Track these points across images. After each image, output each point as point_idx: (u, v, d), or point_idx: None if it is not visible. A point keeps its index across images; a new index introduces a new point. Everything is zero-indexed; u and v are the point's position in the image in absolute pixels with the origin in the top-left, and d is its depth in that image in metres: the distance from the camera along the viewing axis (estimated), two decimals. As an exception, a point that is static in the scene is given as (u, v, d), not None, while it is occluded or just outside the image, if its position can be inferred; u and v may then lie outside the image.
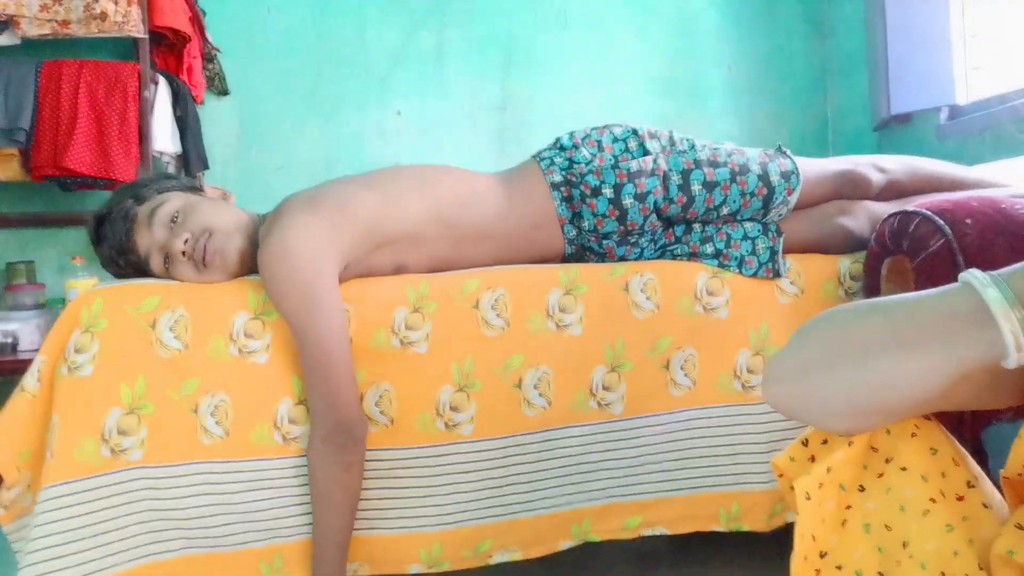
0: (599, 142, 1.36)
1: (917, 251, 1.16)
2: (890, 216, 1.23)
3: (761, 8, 2.79)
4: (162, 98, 2.49)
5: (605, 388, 1.24)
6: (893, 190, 1.45)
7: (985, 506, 0.61)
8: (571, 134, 1.39)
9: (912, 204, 1.23)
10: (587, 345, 1.24)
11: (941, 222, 1.14)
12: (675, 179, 1.31)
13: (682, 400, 1.27)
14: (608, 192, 1.30)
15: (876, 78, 2.27)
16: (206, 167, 2.63)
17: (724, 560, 1.50)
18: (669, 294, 1.28)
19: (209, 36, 2.71)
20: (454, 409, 1.19)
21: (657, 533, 1.27)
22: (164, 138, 2.48)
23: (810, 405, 0.63)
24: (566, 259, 1.39)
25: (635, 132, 1.37)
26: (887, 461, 0.63)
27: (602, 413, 1.24)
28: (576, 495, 1.24)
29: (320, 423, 1.12)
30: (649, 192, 1.30)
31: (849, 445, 0.64)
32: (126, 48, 2.51)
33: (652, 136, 1.37)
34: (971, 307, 0.53)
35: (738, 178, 1.31)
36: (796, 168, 1.35)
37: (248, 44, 2.76)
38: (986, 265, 0.59)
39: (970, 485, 0.62)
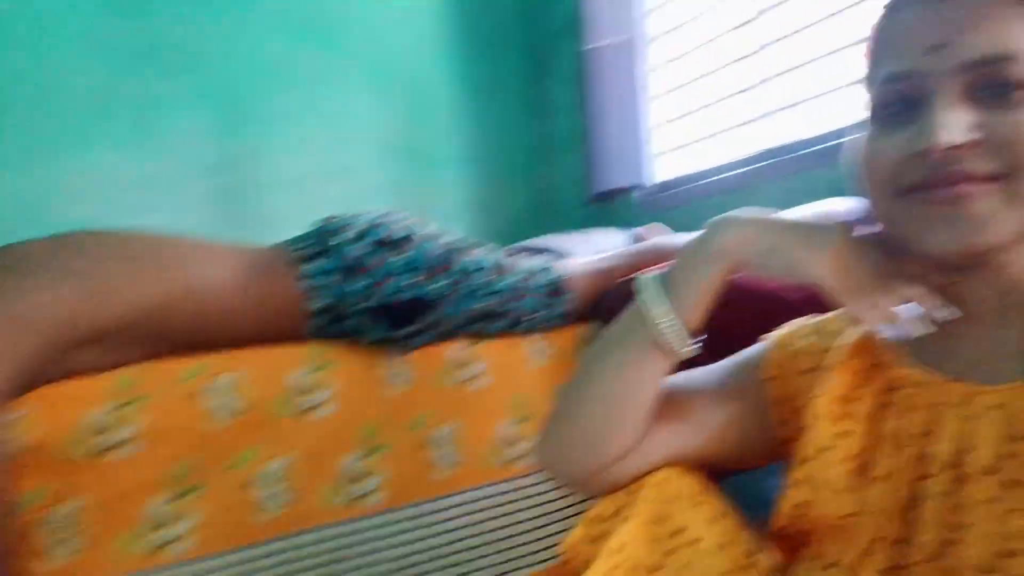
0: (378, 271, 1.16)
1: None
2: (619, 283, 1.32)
3: (488, 86, 2.94)
4: None
5: (359, 477, 1.11)
6: None
7: (771, 570, 0.61)
8: (341, 248, 1.16)
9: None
10: (337, 429, 1.11)
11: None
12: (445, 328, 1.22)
13: (450, 482, 1.18)
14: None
15: (586, 158, 2.52)
16: None
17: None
18: (423, 367, 1.20)
19: None
20: (163, 526, 0.97)
21: None
22: None
23: (558, 453, 0.65)
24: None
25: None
26: (677, 533, 0.61)
27: (357, 508, 1.10)
28: None
29: None
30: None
31: (625, 520, 0.62)
32: None
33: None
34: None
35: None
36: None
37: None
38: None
39: (752, 552, 0.62)
